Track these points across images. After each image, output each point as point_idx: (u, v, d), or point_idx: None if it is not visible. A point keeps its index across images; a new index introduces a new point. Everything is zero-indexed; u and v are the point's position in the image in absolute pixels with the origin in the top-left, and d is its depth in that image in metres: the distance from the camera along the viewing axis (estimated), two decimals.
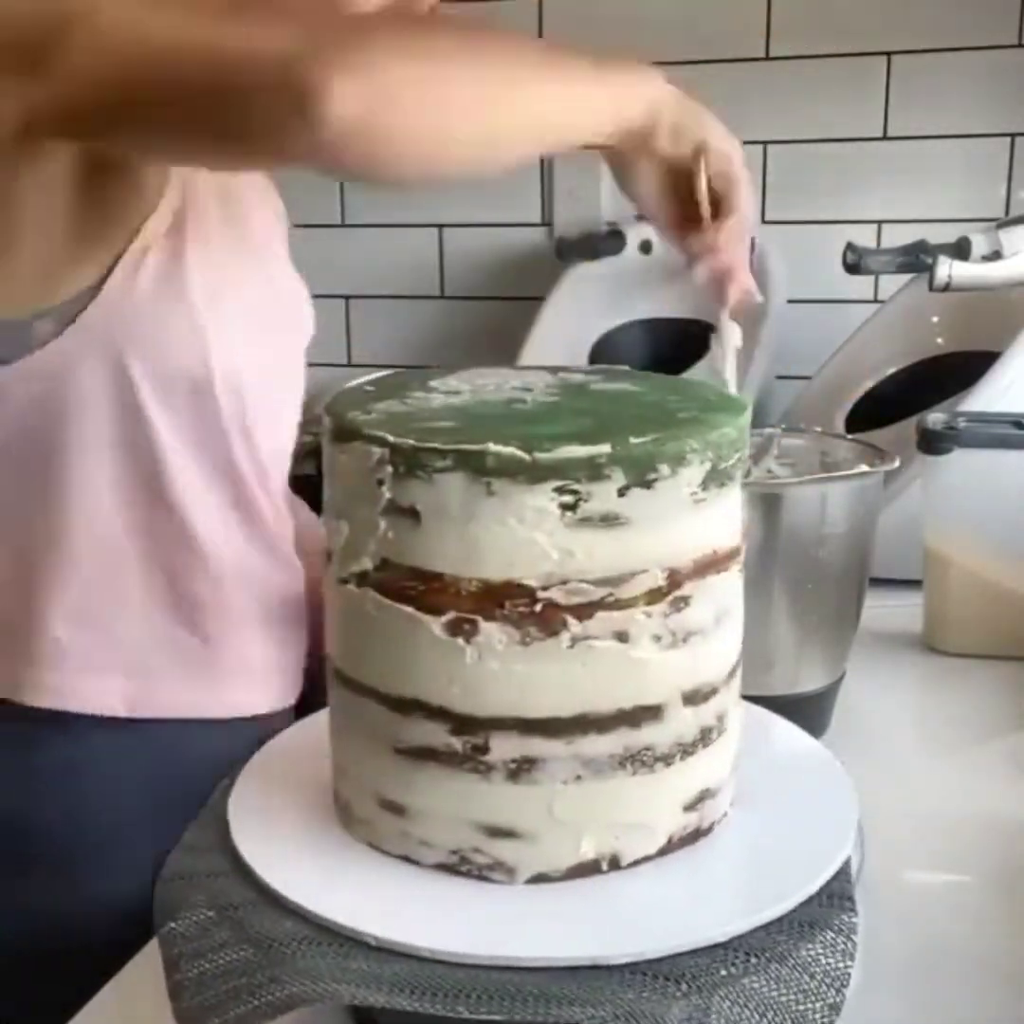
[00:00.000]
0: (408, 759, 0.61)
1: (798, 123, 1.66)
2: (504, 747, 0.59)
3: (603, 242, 1.65)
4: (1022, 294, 1.28)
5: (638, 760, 0.60)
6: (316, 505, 0.73)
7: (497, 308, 1.82)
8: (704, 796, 0.63)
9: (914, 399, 1.32)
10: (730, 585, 0.63)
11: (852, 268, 1.30)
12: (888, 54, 1.61)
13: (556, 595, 0.57)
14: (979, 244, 1.22)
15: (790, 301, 1.58)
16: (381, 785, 0.62)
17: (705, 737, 0.62)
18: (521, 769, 0.59)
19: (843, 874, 0.61)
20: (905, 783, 0.86)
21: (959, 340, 1.39)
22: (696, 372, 1.55)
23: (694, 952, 0.56)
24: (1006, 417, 1.09)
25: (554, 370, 0.71)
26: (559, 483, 0.56)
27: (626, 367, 0.73)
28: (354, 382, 0.68)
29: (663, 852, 0.62)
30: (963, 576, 1.10)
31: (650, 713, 0.60)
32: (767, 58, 1.65)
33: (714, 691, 0.62)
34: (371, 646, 0.61)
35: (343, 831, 0.65)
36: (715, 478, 0.59)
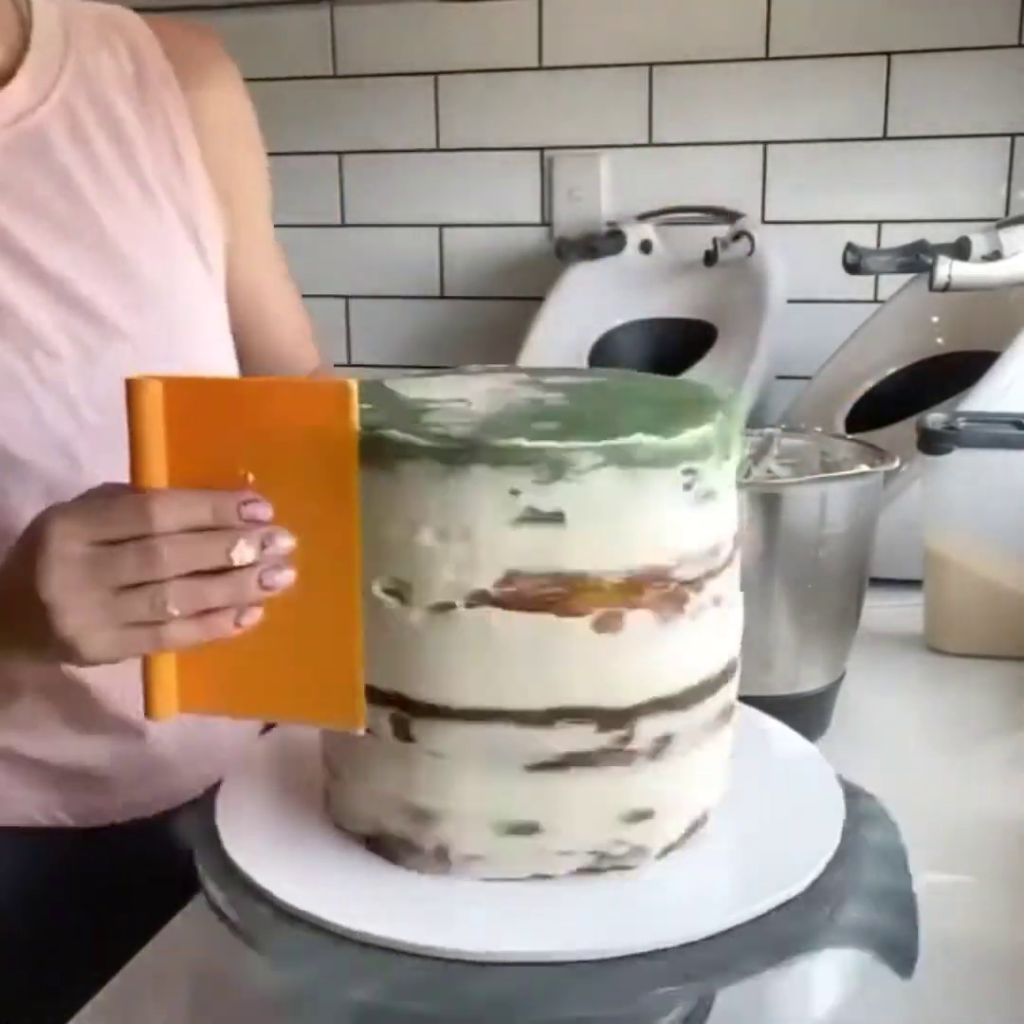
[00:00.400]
0: (545, 771, 0.59)
1: (798, 123, 1.66)
2: (644, 731, 0.59)
3: (603, 242, 1.65)
4: (1022, 294, 1.28)
5: (729, 715, 0.64)
6: None
7: (497, 308, 1.82)
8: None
9: (914, 399, 1.32)
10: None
11: (852, 268, 1.30)
12: (888, 54, 1.61)
13: (684, 572, 0.59)
14: (979, 244, 1.22)
15: (790, 301, 1.58)
16: (505, 809, 0.60)
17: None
18: (661, 747, 0.60)
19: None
20: (905, 783, 0.86)
21: (959, 340, 1.39)
22: (696, 372, 1.55)
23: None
24: (1006, 417, 1.09)
25: (506, 374, 0.71)
26: (686, 465, 0.58)
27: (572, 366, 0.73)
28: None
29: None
30: (963, 576, 1.10)
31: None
32: (767, 58, 1.65)
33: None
34: (497, 666, 0.58)
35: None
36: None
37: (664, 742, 0.60)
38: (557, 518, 0.56)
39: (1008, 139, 1.60)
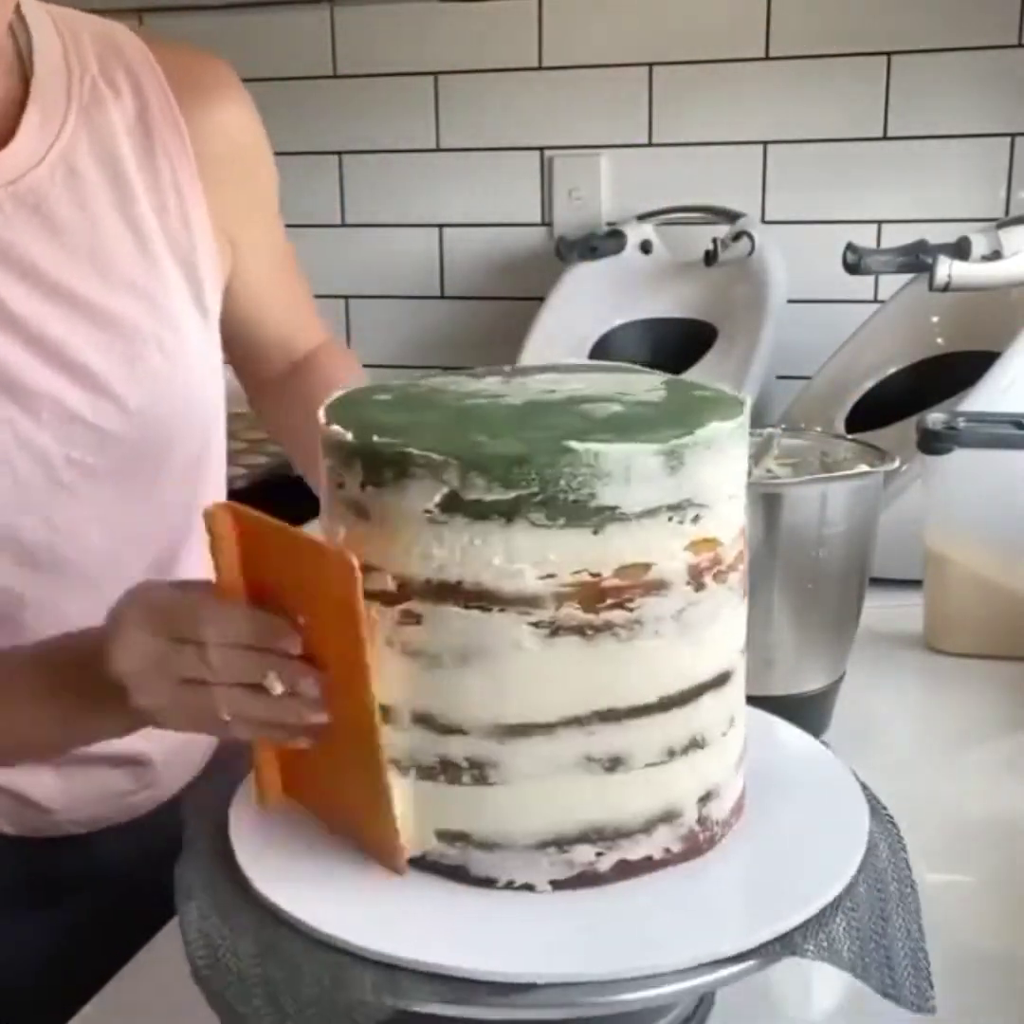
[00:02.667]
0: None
1: (798, 123, 1.66)
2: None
3: (603, 242, 1.65)
4: (1022, 294, 1.28)
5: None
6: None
7: (497, 308, 1.82)
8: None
9: (914, 399, 1.32)
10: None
11: (852, 268, 1.30)
12: (888, 54, 1.61)
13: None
14: (979, 244, 1.22)
15: (790, 301, 1.58)
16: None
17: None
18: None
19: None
20: (905, 783, 0.86)
21: (959, 340, 1.39)
22: (696, 372, 1.55)
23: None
24: (1006, 417, 1.09)
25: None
26: None
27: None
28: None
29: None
30: (963, 576, 1.10)
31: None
32: (767, 58, 1.65)
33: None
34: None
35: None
36: None
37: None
38: None
39: (1008, 139, 1.60)
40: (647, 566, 0.57)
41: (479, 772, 0.59)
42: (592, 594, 0.56)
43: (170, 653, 0.62)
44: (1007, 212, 1.61)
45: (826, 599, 0.91)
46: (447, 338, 1.87)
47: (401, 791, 0.60)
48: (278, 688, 0.60)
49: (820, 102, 1.64)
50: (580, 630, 0.57)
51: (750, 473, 0.92)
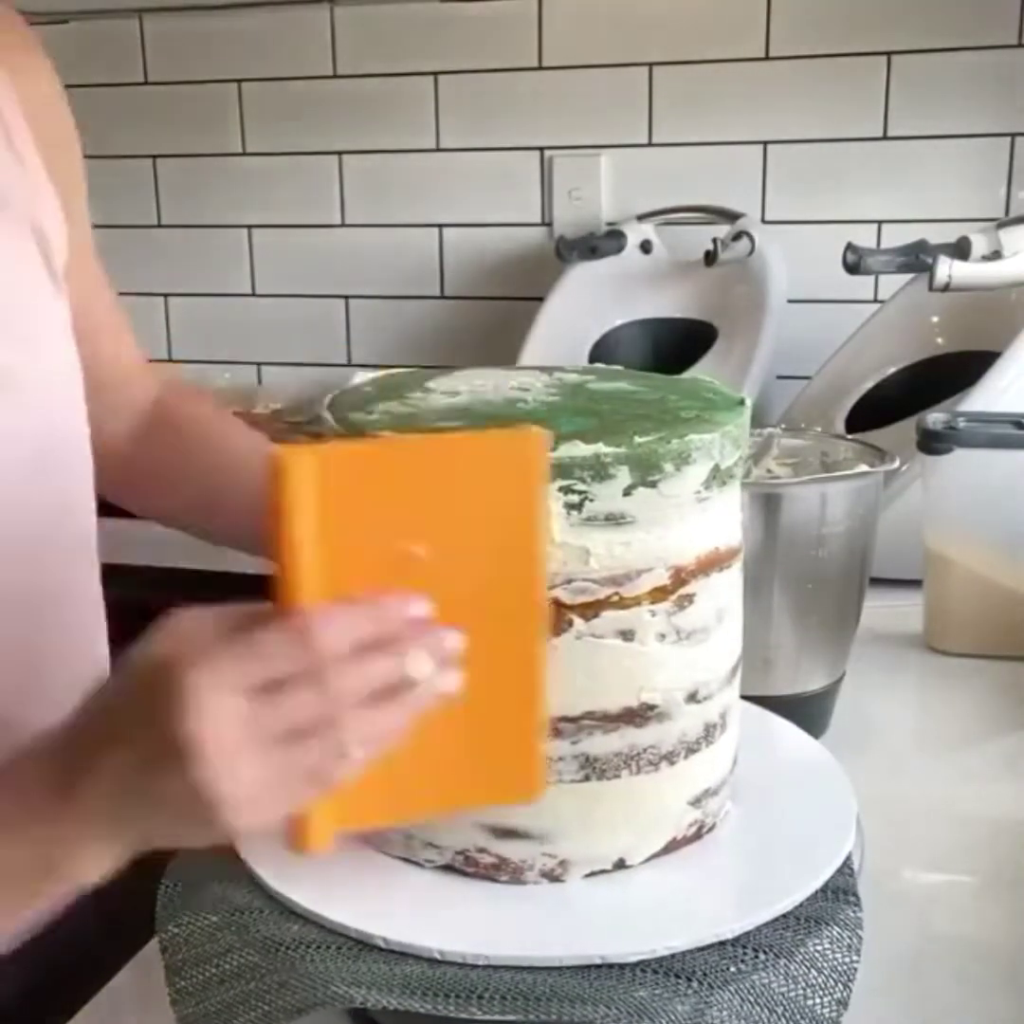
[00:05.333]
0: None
1: (798, 123, 1.66)
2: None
3: (603, 242, 1.65)
4: (1022, 294, 1.28)
5: (642, 759, 0.60)
6: None
7: (497, 308, 1.82)
8: (706, 795, 0.63)
9: (914, 399, 1.32)
10: (731, 583, 0.63)
11: (852, 268, 1.30)
12: (888, 54, 1.61)
13: (561, 594, 0.57)
14: (979, 244, 1.21)
15: (790, 301, 1.58)
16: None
17: (709, 735, 0.62)
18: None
19: (846, 870, 0.61)
20: (905, 783, 0.86)
21: (959, 340, 1.39)
22: (696, 372, 1.55)
23: (702, 949, 0.56)
24: (1006, 417, 1.09)
25: (549, 370, 0.71)
26: (565, 483, 0.56)
27: (620, 367, 0.73)
28: (355, 380, 0.67)
29: (667, 850, 0.62)
30: (963, 576, 1.10)
31: (654, 711, 0.60)
32: (767, 58, 1.65)
33: (717, 689, 0.62)
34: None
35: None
36: (717, 477, 0.59)
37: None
38: None
39: (1008, 139, 1.60)
40: None
41: None
42: None
43: (268, 707, 0.47)
44: (1007, 212, 1.61)
45: (826, 599, 0.91)
46: (447, 338, 1.87)
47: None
48: (426, 665, 0.48)
49: (820, 102, 1.64)
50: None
51: (750, 473, 0.93)
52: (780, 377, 1.58)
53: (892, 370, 1.43)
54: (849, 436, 1.14)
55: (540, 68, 1.73)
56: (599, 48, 1.70)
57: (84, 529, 0.82)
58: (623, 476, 0.56)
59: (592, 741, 0.59)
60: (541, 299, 1.67)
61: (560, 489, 0.56)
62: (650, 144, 1.72)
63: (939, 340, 1.41)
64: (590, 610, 0.57)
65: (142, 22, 1.87)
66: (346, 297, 1.89)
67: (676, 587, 0.59)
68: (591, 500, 0.56)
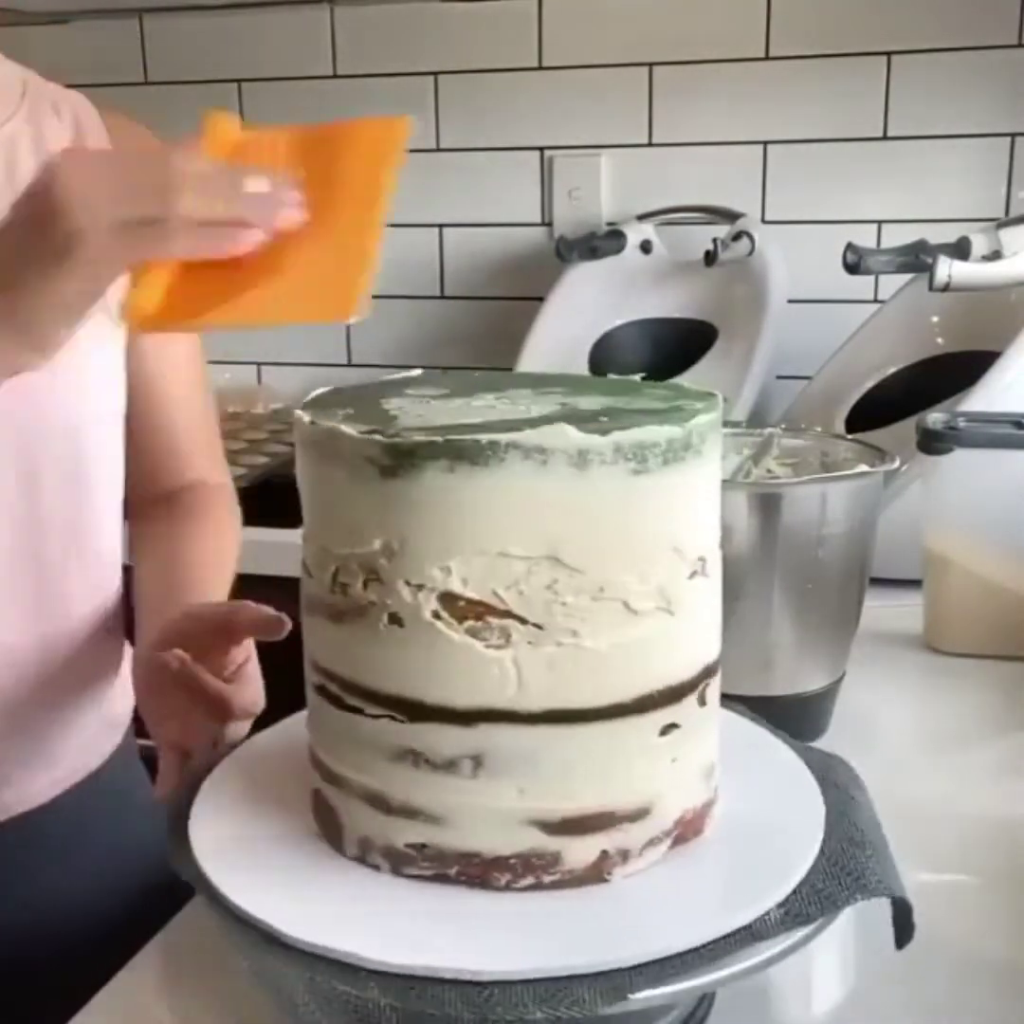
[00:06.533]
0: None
1: (798, 123, 1.66)
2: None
3: (603, 242, 1.65)
4: (1022, 294, 1.28)
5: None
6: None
7: (497, 308, 1.82)
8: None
9: (914, 399, 1.32)
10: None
11: (852, 268, 1.30)
12: (888, 54, 1.61)
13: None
14: (979, 244, 1.22)
15: (790, 301, 1.58)
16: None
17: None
18: None
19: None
20: (905, 783, 0.86)
21: (959, 340, 1.39)
22: (696, 372, 1.55)
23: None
24: (1006, 417, 1.09)
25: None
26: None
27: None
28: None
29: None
30: (963, 576, 1.10)
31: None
32: (767, 58, 1.65)
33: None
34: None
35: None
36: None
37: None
38: None
39: (1008, 139, 1.60)
40: None
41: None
42: None
43: (116, 176, 0.59)
44: (1007, 212, 1.61)
45: (826, 599, 0.91)
46: (447, 338, 1.87)
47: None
48: (264, 185, 0.61)
49: (820, 102, 1.64)
50: None
51: (750, 473, 0.93)
52: (780, 377, 1.58)
53: (892, 370, 1.43)
54: (849, 436, 1.14)
55: (540, 68, 1.74)
56: (599, 48, 1.70)
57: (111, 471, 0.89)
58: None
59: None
60: (541, 299, 1.67)
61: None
62: (650, 144, 1.72)
63: (939, 340, 1.41)
64: None
65: (142, 22, 1.87)
66: None
67: None
68: None
